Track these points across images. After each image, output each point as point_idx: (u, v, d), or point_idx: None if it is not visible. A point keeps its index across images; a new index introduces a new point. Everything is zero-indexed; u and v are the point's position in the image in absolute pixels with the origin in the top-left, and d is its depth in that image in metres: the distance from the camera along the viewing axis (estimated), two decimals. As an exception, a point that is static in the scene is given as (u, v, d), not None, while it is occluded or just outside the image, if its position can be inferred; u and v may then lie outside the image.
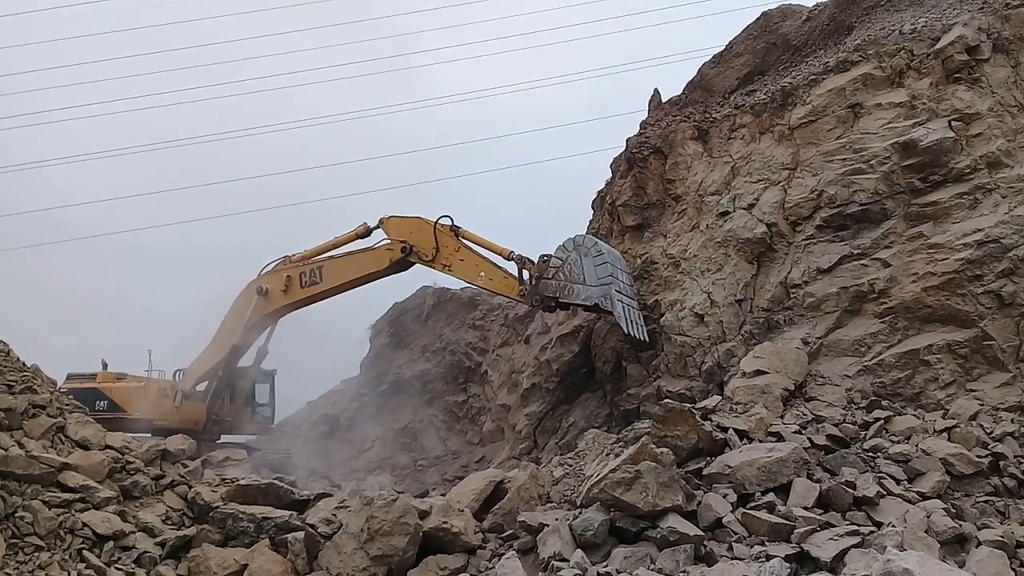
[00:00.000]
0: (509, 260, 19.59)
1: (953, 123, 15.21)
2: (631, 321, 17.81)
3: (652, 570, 10.17)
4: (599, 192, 23.99)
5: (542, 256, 19.03)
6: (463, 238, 20.11)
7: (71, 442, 13.56)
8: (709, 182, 18.49)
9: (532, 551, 11.39)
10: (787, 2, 21.04)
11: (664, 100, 21.40)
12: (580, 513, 11.35)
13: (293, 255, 22.46)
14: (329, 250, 22.19)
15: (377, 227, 21.43)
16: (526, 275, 19.20)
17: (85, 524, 12.02)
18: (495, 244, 20.09)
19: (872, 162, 15.67)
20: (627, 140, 21.06)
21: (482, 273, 19.96)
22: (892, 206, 15.42)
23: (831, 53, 18.09)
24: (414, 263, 20.90)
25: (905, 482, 11.87)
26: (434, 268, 20.71)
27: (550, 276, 18.70)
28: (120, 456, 13.75)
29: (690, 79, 21.33)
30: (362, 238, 21.83)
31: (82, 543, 11.80)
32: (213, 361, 22.92)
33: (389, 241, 20.98)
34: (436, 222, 20.09)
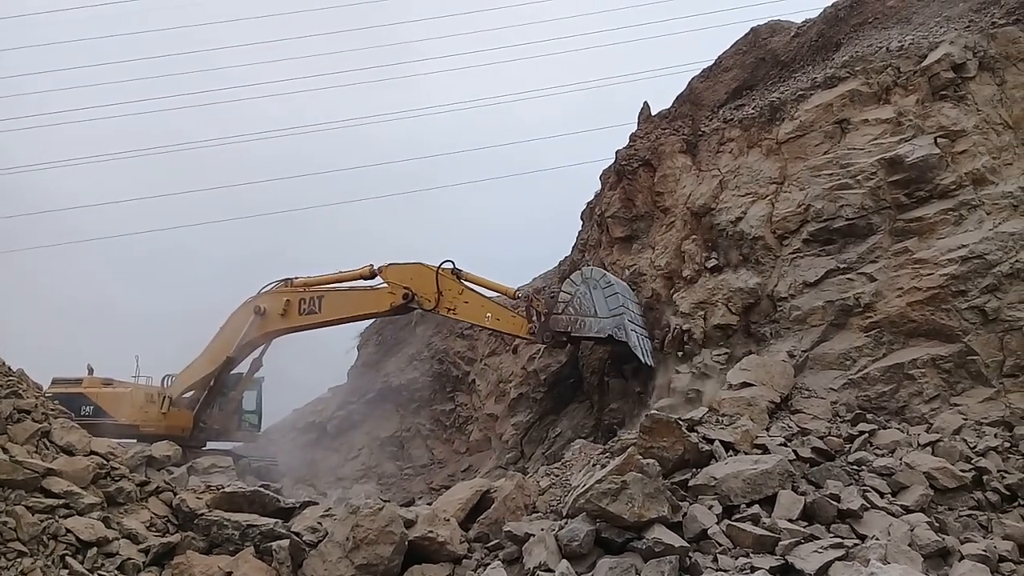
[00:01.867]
0: (515, 299, 19.55)
1: (939, 140, 15.37)
2: (645, 351, 17.87)
3: (637, 581, 10.19)
4: (588, 203, 24.11)
5: (548, 292, 19.05)
6: (465, 280, 20.06)
7: (56, 447, 13.49)
8: (697, 195, 18.60)
9: (518, 561, 11.38)
10: (776, 18, 21.23)
11: (653, 114, 21.52)
12: (566, 523, 11.34)
13: (295, 279, 22.42)
14: (331, 282, 22.18)
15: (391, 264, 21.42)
16: (535, 312, 19.16)
17: (69, 530, 11.94)
18: (499, 284, 20.12)
19: (859, 177, 15.80)
20: (616, 152, 21.19)
21: (488, 314, 19.93)
22: (878, 221, 15.55)
23: (819, 69, 18.25)
24: (415, 309, 20.84)
25: (889, 495, 11.92)
26: (438, 313, 20.63)
27: (560, 311, 18.75)
28: (105, 462, 13.67)
29: (679, 93, 21.47)
30: (366, 279, 21.80)
31: (65, 549, 11.73)
32: (205, 371, 22.86)
33: (394, 287, 20.95)
34: (438, 268, 20.04)
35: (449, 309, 20.24)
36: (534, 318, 19.11)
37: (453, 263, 20.11)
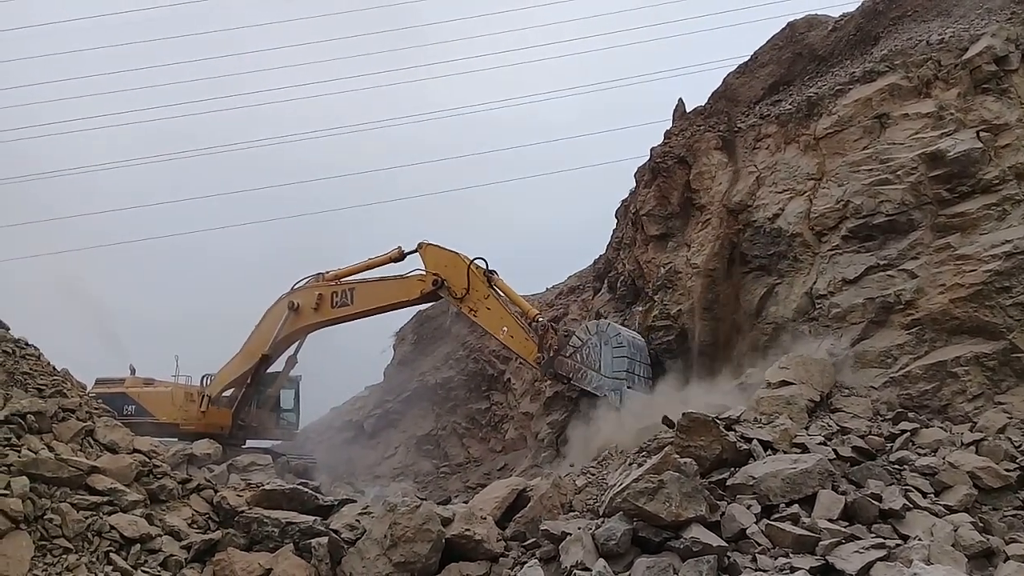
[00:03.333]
0: (533, 323, 19.51)
1: (981, 134, 15.09)
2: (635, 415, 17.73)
3: (675, 580, 10.14)
4: (623, 201, 24.01)
5: (564, 330, 19.04)
6: (495, 286, 20.05)
7: (99, 446, 13.72)
8: (734, 192, 18.44)
9: (554, 560, 11.38)
10: (813, 12, 21.00)
11: (688, 110, 21.37)
12: (603, 522, 11.32)
13: (326, 273, 22.64)
14: (362, 270, 22.39)
15: (413, 252, 21.51)
16: (547, 344, 19.11)
17: (112, 527, 12.13)
18: (524, 302, 20.11)
19: (899, 172, 15.57)
20: (651, 150, 21.06)
21: (505, 328, 19.93)
22: (919, 217, 15.31)
23: (857, 63, 18.01)
24: (442, 297, 20.90)
25: (932, 495, 11.77)
26: (461, 309, 20.68)
27: (568, 355, 18.79)
28: (147, 460, 13.89)
29: (715, 89, 21.31)
30: (396, 262, 21.99)
31: (109, 546, 11.91)
32: (242, 369, 23.20)
33: (422, 271, 21.04)
34: (471, 262, 20.05)
35: (472, 309, 20.29)
36: (544, 349, 19.09)
37: (486, 262, 20.11)
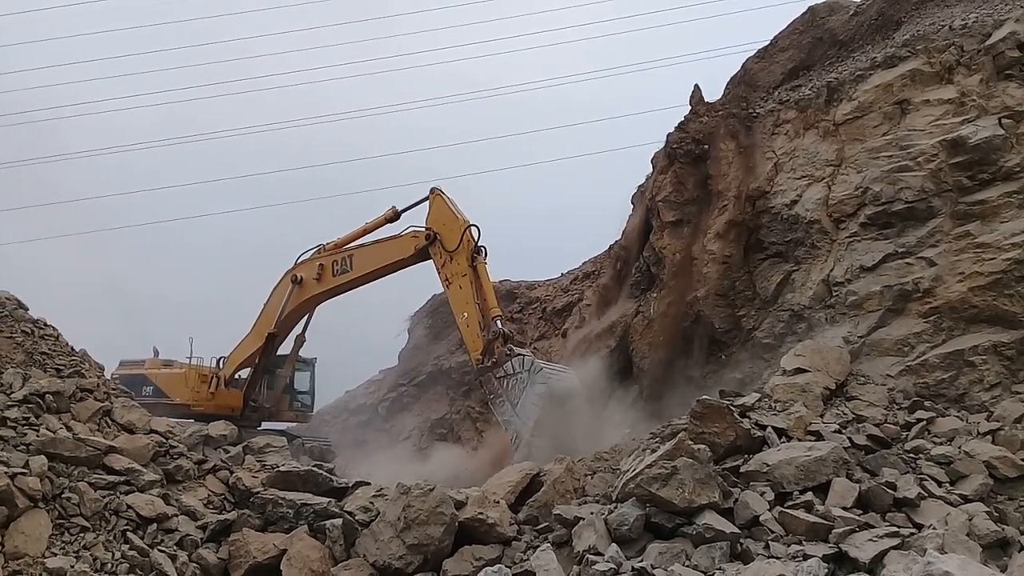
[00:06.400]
0: (492, 321, 19.10)
1: (1003, 120, 14.88)
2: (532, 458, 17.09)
3: (687, 566, 10.14)
4: (639, 187, 23.91)
5: (509, 347, 18.73)
6: (476, 266, 19.72)
7: (117, 426, 13.88)
8: (751, 178, 18.32)
9: (567, 544, 11.40)
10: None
11: (706, 96, 21.21)
12: (616, 507, 11.34)
13: (327, 244, 22.75)
14: (360, 236, 22.46)
15: (408, 208, 21.62)
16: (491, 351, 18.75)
17: (129, 506, 12.29)
18: (493, 296, 19.63)
19: (919, 159, 15.41)
20: (667, 135, 20.93)
21: (465, 314, 19.55)
22: (939, 204, 15.15)
23: (879, 48, 17.81)
24: (430, 258, 20.65)
25: (947, 484, 11.69)
26: (439, 273, 20.37)
27: (499, 375, 18.44)
28: (164, 440, 14.03)
29: (733, 74, 21.15)
30: (392, 222, 22.06)
31: (126, 525, 12.07)
32: (252, 349, 23.32)
33: (416, 229, 20.94)
34: (467, 227, 19.84)
35: (447, 280, 20.03)
36: (485, 354, 18.75)
37: (479, 232, 19.79)
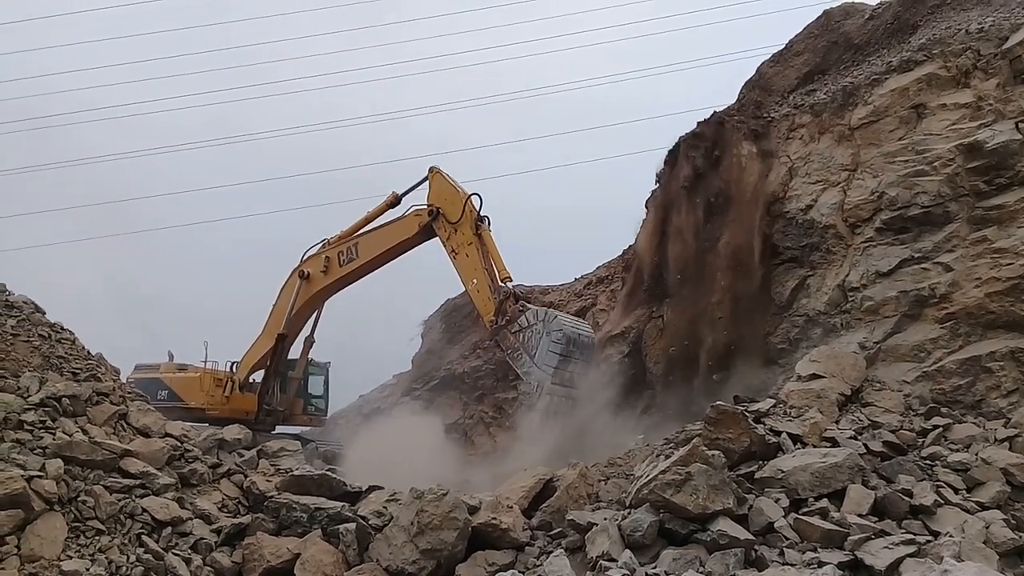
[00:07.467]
0: (502, 283, 19.28)
1: (1020, 125, 14.75)
2: (553, 414, 17.73)
3: (701, 573, 10.08)
4: (653, 191, 23.83)
5: (522, 304, 18.89)
6: (481, 234, 19.85)
7: (132, 429, 13.96)
8: (766, 183, 18.25)
9: (580, 550, 11.38)
10: (849, 0, 20.68)
11: (721, 100, 21.19)
12: (629, 513, 11.30)
13: (331, 237, 22.82)
14: (363, 225, 22.52)
15: (408, 192, 21.72)
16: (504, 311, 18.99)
17: (145, 510, 12.35)
18: (500, 260, 19.71)
19: (935, 164, 15.32)
20: (681, 139, 20.87)
21: (475, 280, 19.75)
22: (955, 209, 15.05)
23: (894, 52, 17.73)
24: (435, 235, 20.70)
25: (964, 491, 11.59)
26: (445, 247, 20.44)
27: (514, 331, 18.65)
28: (179, 444, 14.11)
29: (748, 78, 21.10)
30: (393, 207, 22.14)
31: (141, 528, 12.13)
32: (264, 350, 23.38)
33: (418, 207, 21.02)
34: (468, 197, 19.90)
35: (453, 251, 20.11)
36: (499, 314, 18.98)
37: (481, 200, 19.86)
